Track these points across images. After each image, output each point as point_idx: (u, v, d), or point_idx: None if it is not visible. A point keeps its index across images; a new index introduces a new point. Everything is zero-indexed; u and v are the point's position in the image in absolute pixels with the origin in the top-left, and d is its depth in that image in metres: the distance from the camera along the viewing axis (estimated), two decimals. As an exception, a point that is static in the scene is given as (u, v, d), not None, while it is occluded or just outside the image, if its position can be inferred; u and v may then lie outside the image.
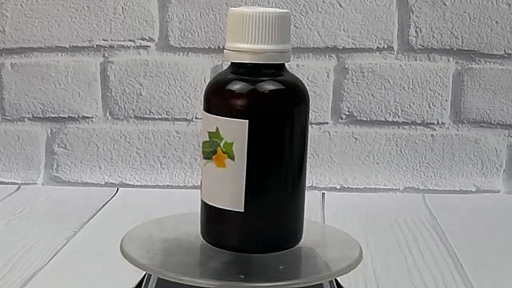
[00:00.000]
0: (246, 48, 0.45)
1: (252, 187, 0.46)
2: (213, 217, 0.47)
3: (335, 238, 0.53)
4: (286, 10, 0.47)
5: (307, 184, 0.94)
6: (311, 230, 0.52)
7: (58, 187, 0.96)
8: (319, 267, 0.47)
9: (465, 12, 0.92)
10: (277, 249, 0.46)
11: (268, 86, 0.46)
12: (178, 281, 0.43)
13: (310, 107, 0.94)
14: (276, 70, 0.46)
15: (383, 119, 0.94)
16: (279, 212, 0.46)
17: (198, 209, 0.49)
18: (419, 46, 0.93)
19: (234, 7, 0.48)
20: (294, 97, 0.47)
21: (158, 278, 0.46)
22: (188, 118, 0.95)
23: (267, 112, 0.45)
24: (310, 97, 0.48)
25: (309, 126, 0.96)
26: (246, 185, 0.46)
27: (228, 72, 0.47)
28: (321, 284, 0.46)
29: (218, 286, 0.43)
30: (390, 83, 0.93)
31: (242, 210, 0.46)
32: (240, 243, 0.46)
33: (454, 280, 0.64)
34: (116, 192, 0.94)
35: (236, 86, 0.46)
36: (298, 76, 0.48)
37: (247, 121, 0.45)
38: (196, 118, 0.94)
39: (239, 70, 0.46)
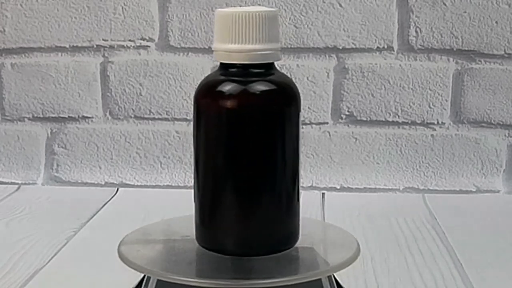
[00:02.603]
0: (234, 48, 0.45)
1: (202, 184, 0.47)
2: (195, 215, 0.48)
3: (332, 235, 0.53)
4: (274, 9, 0.46)
5: (307, 184, 0.94)
6: (308, 227, 0.52)
7: (58, 187, 0.96)
8: (317, 263, 0.47)
9: (465, 12, 0.92)
10: (252, 253, 0.46)
11: (259, 86, 0.45)
12: (177, 282, 0.43)
13: (310, 107, 0.95)
14: (266, 69, 0.46)
15: (383, 119, 0.94)
16: (231, 209, 0.46)
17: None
18: (419, 46, 0.93)
19: (233, 6, 0.48)
20: (285, 97, 0.46)
21: (158, 279, 0.46)
22: (188, 118, 0.95)
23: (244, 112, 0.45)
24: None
25: (310, 126, 0.96)
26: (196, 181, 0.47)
27: (218, 73, 0.47)
28: (319, 281, 0.46)
29: (218, 285, 0.43)
30: (390, 83, 0.93)
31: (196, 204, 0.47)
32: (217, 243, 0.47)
33: (454, 280, 0.64)
34: (116, 192, 0.94)
35: (226, 87, 0.45)
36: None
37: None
38: (196, 118, 0.94)
39: (228, 70, 0.46)
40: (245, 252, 0.46)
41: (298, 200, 0.47)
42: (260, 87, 0.45)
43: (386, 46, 0.93)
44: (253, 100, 0.45)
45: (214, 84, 0.46)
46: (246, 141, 0.45)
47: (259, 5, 0.92)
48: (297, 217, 0.48)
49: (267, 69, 0.46)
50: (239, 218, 0.46)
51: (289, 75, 0.94)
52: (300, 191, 0.48)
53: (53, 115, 0.96)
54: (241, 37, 0.45)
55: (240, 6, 0.90)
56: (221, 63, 0.46)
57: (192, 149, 0.97)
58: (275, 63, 0.47)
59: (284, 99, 0.46)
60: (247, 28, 0.45)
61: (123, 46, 0.95)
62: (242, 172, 0.45)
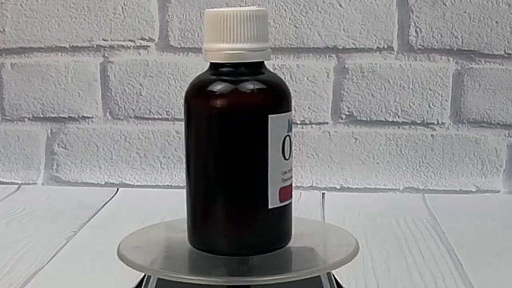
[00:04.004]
0: (224, 47, 0.45)
1: (193, 183, 0.47)
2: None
3: (331, 234, 0.53)
4: (263, 8, 0.46)
5: (307, 184, 0.94)
6: (307, 227, 0.52)
7: (58, 187, 0.96)
8: (315, 261, 0.47)
9: (465, 12, 0.92)
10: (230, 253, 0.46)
11: (250, 85, 0.45)
12: (177, 280, 0.43)
13: (310, 107, 0.95)
14: (256, 69, 0.46)
15: (383, 119, 0.94)
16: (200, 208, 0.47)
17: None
18: (419, 46, 0.93)
19: (233, 6, 0.48)
20: (276, 96, 0.46)
21: (158, 278, 0.46)
22: (188, 118, 0.94)
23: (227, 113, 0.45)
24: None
25: (310, 126, 0.96)
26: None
27: (208, 73, 0.47)
28: (319, 280, 0.46)
29: (217, 283, 0.43)
30: (390, 83, 0.93)
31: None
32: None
33: (454, 280, 0.64)
34: (116, 192, 0.94)
35: (217, 87, 0.45)
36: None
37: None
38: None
39: (218, 70, 0.46)
40: (236, 253, 0.46)
41: (290, 199, 0.47)
42: (250, 86, 0.45)
43: (386, 46, 0.93)
44: (243, 99, 0.45)
45: (205, 84, 0.46)
46: (237, 140, 0.45)
47: (259, 5, 0.92)
48: (289, 216, 0.47)
49: (257, 68, 0.46)
50: (230, 219, 0.46)
51: (289, 75, 0.94)
52: (293, 190, 0.48)
53: (53, 115, 0.96)
54: (230, 36, 0.45)
55: (240, 6, 0.91)
56: (211, 63, 0.47)
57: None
58: (267, 63, 0.47)
59: (275, 98, 0.46)
60: (236, 27, 0.45)
61: (123, 46, 0.95)
62: (232, 172, 0.45)
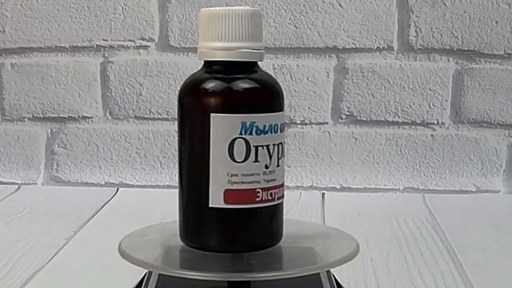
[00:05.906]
0: (217, 46, 0.45)
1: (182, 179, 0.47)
2: None
3: (331, 234, 0.53)
4: (257, 8, 0.46)
5: (307, 184, 0.94)
6: (306, 228, 0.53)
7: (58, 187, 0.96)
8: (314, 259, 0.47)
9: (465, 12, 0.92)
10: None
11: (243, 84, 0.46)
12: (180, 276, 0.43)
13: (310, 107, 0.94)
14: (249, 68, 0.46)
15: (383, 119, 0.94)
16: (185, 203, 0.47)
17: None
18: (419, 46, 0.93)
19: (233, 6, 0.48)
20: (268, 95, 0.46)
21: (159, 277, 0.46)
22: (188, 118, 0.94)
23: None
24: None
25: (310, 126, 0.96)
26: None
27: (202, 71, 0.47)
28: (318, 278, 0.46)
29: (216, 278, 0.43)
30: (390, 83, 0.93)
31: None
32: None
33: (454, 280, 0.64)
34: (116, 192, 0.94)
35: (210, 85, 0.45)
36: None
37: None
38: (196, 118, 0.94)
39: (212, 68, 0.46)
40: (228, 250, 0.46)
41: (281, 198, 0.47)
42: (243, 84, 0.46)
43: (386, 46, 0.93)
44: (236, 97, 0.45)
45: (198, 81, 0.46)
46: (190, 136, 0.45)
47: (259, 5, 0.92)
48: (280, 214, 0.47)
49: (251, 67, 0.46)
50: (224, 218, 0.46)
51: (289, 75, 0.94)
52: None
53: (53, 115, 0.96)
54: (224, 35, 0.45)
55: (240, 5, 0.91)
56: (205, 61, 0.47)
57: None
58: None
59: (267, 97, 0.46)
60: (230, 25, 0.45)
61: (123, 46, 0.95)
62: (193, 169, 0.46)
